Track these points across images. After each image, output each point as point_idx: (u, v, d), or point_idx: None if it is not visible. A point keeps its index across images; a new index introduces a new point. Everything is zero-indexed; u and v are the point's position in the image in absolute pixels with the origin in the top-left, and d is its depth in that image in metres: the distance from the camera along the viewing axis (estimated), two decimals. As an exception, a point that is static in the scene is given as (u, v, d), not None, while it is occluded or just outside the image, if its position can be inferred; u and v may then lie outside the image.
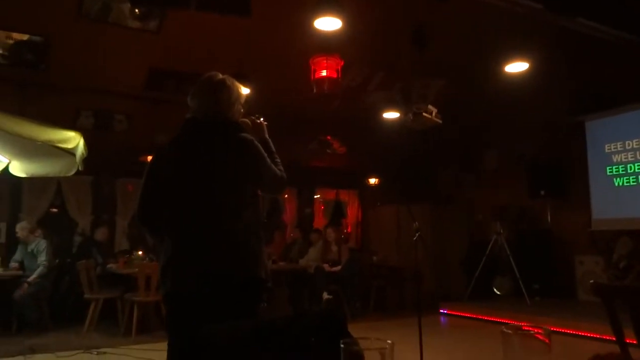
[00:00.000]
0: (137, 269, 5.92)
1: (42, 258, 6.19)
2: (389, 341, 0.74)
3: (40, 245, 6.28)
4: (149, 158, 2.12)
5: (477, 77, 5.93)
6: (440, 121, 5.34)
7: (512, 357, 0.72)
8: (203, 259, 1.91)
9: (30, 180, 6.75)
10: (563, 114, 7.39)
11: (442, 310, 7.61)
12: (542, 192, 7.81)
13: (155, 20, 4.71)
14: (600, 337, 5.27)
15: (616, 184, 7.08)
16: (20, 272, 6.16)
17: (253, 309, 1.92)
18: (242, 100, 2.16)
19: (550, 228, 8.02)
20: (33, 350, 5.07)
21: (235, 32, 4.89)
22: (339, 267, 7.49)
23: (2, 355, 4.85)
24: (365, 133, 7.48)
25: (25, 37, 4.95)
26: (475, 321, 6.94)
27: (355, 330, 0.96)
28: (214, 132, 2.02)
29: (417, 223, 3.98)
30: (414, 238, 3.96)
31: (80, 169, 4.78)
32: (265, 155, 2.05)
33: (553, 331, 0.74)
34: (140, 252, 6.98)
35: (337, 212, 10.74)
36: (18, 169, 5.35)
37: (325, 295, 6.36)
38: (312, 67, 4.85)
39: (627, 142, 7.00)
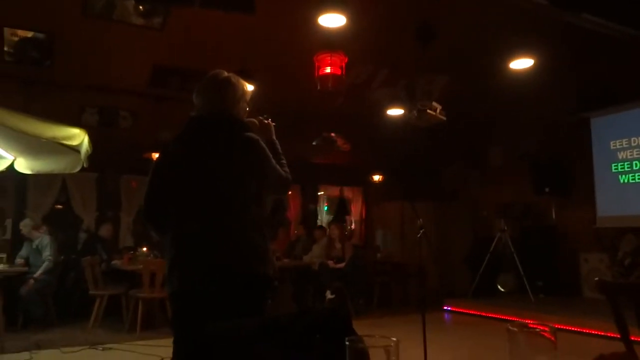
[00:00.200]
0: (141, 266, 5.95)
1: (46, 253, 6.23)
2: (394, 339, 0.74)
3: (43, 240, 6.32)
4: (154, 155, 2.12)
5: (482, 73, 5.90)
6: (444, 118, 5.33)
7: (518, 355, 0.72)
8: (209, 256, 1.91)
9: (35, 177, 6.79)
10: (568, 110, 7.35)
11: (446, 307, 7.61)
12: (547, 189, 7.78)
13: (159, 17, 4.71)
14: (605, 334, 5.26)
15: (621, 181, 7.05)
16: (25, 269, 6.19)
17: (260, 306, 1.92)
18: (248, 98, 2.15)
19: (554, 225, 8.00)
20: (39, 346, 5.10)
21: (239, 29, 4.89)
22: (343, 264, 7.50)
23: (9, 350, 4.89)
24: (369, 130, 7.47)
25: (29, 34, 4.96)
26: (479, 318, 6.93)
27: (359, 327, 0.95)
28: (220, 129, 2.02)
29: (421, 220, 3.98)
30: (418, 235, 3.96)
31: (85, 165, 4.80)
32: (270, 155, 2.04)
33: (557, 329, 0.73)
34: (144, 249, 7.01)
35: (341, 209, 10.74)
36: (23, 165, 5.38)
37: (328, 295, 6.37)
38: (316, 64, 4.85)
39: (632, 139, 6.96)
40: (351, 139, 8.18)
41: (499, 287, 7.92)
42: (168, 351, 2.02)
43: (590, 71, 6.01)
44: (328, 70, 4.77)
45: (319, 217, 10.81)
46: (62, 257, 6.75)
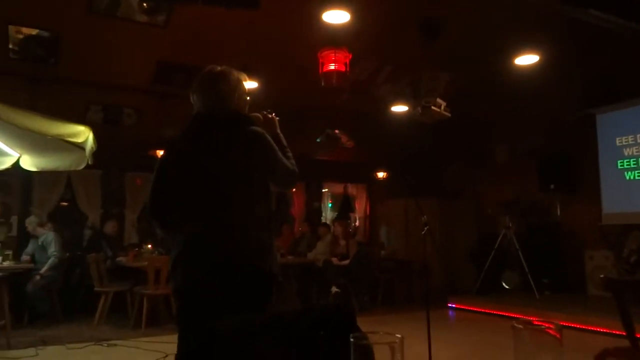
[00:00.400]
0: (146, 263, 5.97)
1: (51, 249, 6.27)
2: (398, 335, 0.74)
3: (49, 237, 6.37)
4: (158, 152, 2.12)
5: (487, 69, 5.87)
6: (449, 114, 5.31)
7: (523, 352, 0.72)
8: (214, 253, 1.91)
9: (40, 174, 6.82)
10: (573, 107, 7.31)
11: (450, 304, 7.61)
12: (552, 186, 7.75)
13: (163, 15, 4.71)
14: (611, 331, 5.25)
15: (627, 177, 7.01)
16: (31, 265, 6.23)
17: (263, 303, 1.92)
18: (244, 89, 2.14)
19: (559, 222, 7.97)
20: (44, 342, 5.14)
21: (243, 26, 4.88)
22: (347, 261, 7.50)
23: (15, 346, 4.92)
24: (373, 126, 7.45)
25: (34, 31, 4.97)
26: (484, 315, 6.93)
27: (363, 324, 0.96)
28: (224, 125, 2.02)
29: (425, 217, 3.97)
30: (423, 232, 3.95)
31: (89, 163, 4.82)
32: (277, 148, 2.04)
33: (563, 326, 0.73)
34: (149, 246, 7.03)
35: (345, 206, 10.74)
36: (29, 163, 5.40)
37: (334, 289, 6.37)
38: (320, 60, 4.83)
39: (638, 136, 6.92)
40: (355, 136, 8.16)
41: (503, 284, 7.91)
42: (173, 347, 2.03)
43: (596, 67, 5.97)
44: (332, 66, 4.75)
45: (323, 214, 10.83)
46: (68, 253, 6.79)
